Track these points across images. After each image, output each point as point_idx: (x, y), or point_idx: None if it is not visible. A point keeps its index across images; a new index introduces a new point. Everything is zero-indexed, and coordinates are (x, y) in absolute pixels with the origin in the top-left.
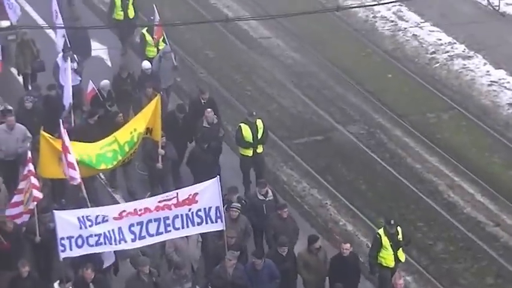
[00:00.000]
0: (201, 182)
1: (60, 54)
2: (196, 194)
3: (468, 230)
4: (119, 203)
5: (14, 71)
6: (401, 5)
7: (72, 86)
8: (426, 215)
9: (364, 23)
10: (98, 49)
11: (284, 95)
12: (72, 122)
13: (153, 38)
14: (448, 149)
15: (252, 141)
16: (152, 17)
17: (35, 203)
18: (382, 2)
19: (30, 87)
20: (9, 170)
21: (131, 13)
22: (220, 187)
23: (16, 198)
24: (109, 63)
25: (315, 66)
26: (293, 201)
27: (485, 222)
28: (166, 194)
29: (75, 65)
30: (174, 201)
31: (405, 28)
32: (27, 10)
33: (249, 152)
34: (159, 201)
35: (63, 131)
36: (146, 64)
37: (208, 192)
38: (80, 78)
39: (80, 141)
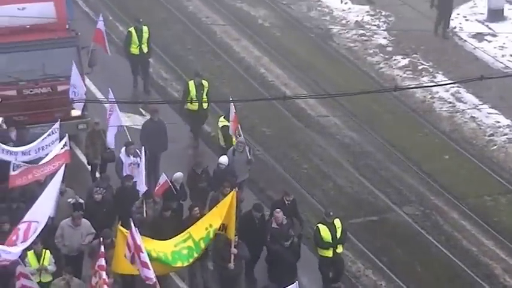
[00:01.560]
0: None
1: (123, 149)
2: None
3: None
4: None
5: (83, 160)
6: (460, 87)
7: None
8: None
9: (421, 104)
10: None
11: (340, 174)
12: (144, 213)
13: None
14: (505, 233)
15: (331, 241)
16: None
17: None
18: (440, 83)
19: (98, 178)
20: (73, 265)
21: (145, 48)
22: None
23: None
24: None
25: (372, 146)
26: (348, 282)
27: None
28: None
29: (138, 159)
30: None
31: (463, 110)
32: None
33: (329, 253)
34: None
35: (135, 230)
36: (223, 159)
37: None
38: (144, 173)
39: (153, 233)
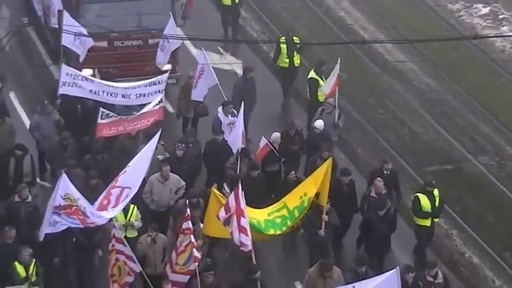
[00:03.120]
0: (375, 252)
1: (220, 108)
2: None
3: None
4: None
5: (173, 115)
6: None
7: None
8: None
9: (501, 53)
10: (234, 63)
11: (416, 120)
12: (238, 169)
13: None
14: None
15: (430, 211)
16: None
17: (196, 263)
18: None
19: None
20: (160, 221)
21: (297, 61)
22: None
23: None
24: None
25: (449, 94)
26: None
27: None
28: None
29: (234, 119)
30: None
31: None
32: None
33: (427, 222)
34: None
35: (240, 193)
36: (319, 123)
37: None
38: (240, 135)
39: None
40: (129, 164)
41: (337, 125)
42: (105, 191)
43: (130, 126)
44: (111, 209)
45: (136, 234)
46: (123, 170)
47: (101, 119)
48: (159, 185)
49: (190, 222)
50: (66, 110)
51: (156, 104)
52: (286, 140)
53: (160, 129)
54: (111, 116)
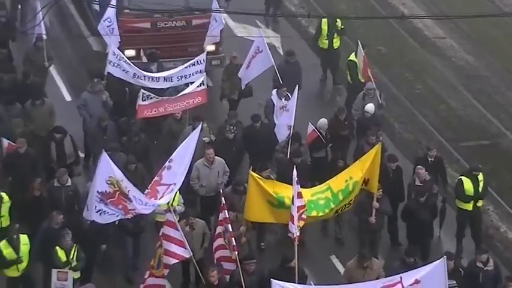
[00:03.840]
0: (416, 240)
1: (274, 91)
2: (419, 281)
3: None
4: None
5: (216, 96)
6: None
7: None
8: None
9: None
10: (271, 36)
11: (454, 96)
12: (287, 153)
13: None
14: None
15: (473, 194)
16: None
17: (236, 252)
18: None
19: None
20: (209, 206)
21: (336, 43)
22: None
23: (218, 242)
24: (280, 51)
25: (488, 70)
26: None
27: None
28: (390, 278)
29: (287, 102)
30: (399, 286)
31: None
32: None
33: (469, 206)
34: (383, 285)
35: (295, 179)
36: (370, 107)
37: (433, 277)
38: (292, 118)
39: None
40: (172, 159)
41: (381, 105)
42: (149, 188)
43: (170, 108)
44: (154, 200)
45: (178, 218)
46: (167, 165)
47: (142, 100)
48: (205, 170)
49: (226, 211)
50: (114, 92)
51: (198, 86)
52: (335, 125)
53: (202, 121)
54: (151, 98)
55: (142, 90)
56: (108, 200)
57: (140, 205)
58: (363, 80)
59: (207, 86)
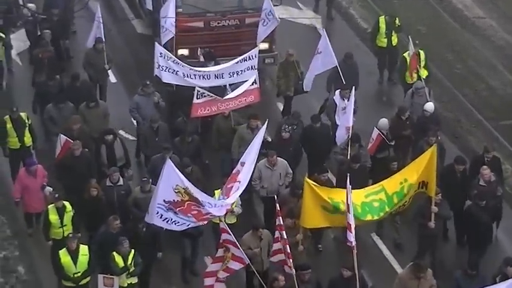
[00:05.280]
0: (476, 244)
1: (337, 92)
2: None
3: None
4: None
5: (270, 95)
6: None
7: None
8: None
9: None
10: (312, 17)
11: (493, 76)
12: (348, 155)
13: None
14: None
15: None
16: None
17: (291, 259)
18: None
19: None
20: (269, 206)
21: (394, 40)
22: None
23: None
24: (321, 32)
25: None
26: None
27: None
28: None
29: (347, 103)
30: None
31: None
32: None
33: None
34: None
35: (348, 188)
36: (430, 106)
37: None
38: (354, 119)
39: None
40: (244, 161)
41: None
42: (225, 186)
43: (223, 106)
44: (224, 199)
45: (235, 220)
46: (240, 166)
47: (197, 98)
48: (267, 172)
49: (281, 218)
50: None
51: (251, 84)
52: (398, 125)
53: (267, 120)
54: (205, 96)
55: (196, 88)
56: (178, 209)
57: (211, 208)
58: (410, 80)
59: (260, 84)
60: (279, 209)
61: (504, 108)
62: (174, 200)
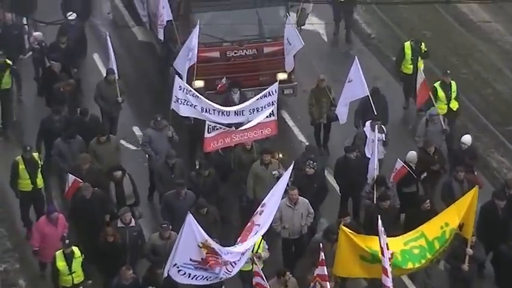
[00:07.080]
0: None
1: (368, 123)
2: None
3: None
4: None
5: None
6: None
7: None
8: None
9: None
10: (316, 23)
11: (500, 80)
12: (374, 199)
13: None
14: None
15: None
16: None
17: None
18: None
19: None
20: (289, 251)
21: (420, 66)
22: None
23: None
24: (325, 38)
25: None
26: (499, 183)
27: None
28: None
29: (383, 136)
30: None
31: None
32: None
33: None
34: None
35: (381, 231)
36: (467, 139)
37: None
38: (384, 152)
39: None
40: (264, 202)
41: (445, 131)
42: (240, 237)
43: (237, 138)
44: (239, 245)
45: (262, 265)
46: (259, 210)
47: (208, 133)
48: (288, 211)
49: (324, 268)
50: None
51: (268, 116)
52: (424, 160)
53: (294, 161)
54: (217, 129)
55: (207, 122)
56: (208, 265)
57: (227, 255)
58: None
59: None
60: (323, 258)
61: (511, 113)
62: (202, 259)
